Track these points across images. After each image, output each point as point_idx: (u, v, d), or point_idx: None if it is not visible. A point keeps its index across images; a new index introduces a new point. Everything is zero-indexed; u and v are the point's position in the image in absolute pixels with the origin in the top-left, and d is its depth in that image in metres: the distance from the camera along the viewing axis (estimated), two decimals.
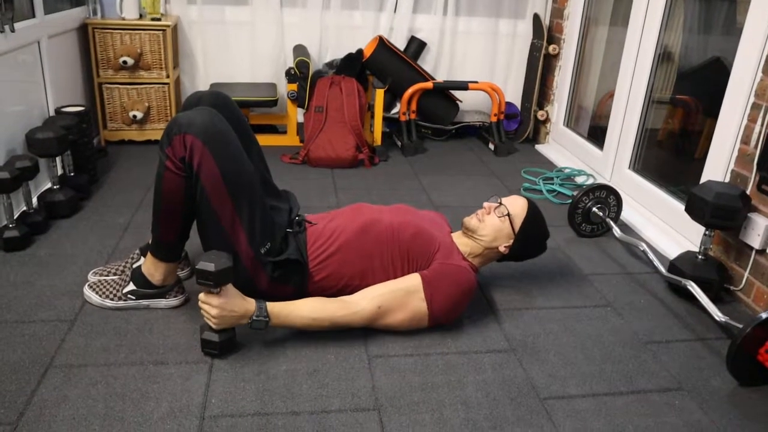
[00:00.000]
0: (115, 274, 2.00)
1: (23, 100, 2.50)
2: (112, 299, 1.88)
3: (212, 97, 1.96)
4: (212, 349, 1.69)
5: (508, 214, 1.96)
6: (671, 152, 3.19)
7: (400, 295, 1.79)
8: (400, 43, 3.77)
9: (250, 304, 1.70)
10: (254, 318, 1.69)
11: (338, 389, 1.61)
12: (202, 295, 1.67)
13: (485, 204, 2.01)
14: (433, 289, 1.80)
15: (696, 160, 2.60)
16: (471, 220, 1.99)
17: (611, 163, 3.14)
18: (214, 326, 1.67)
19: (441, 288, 1.82)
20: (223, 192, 1.71)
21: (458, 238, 2.01)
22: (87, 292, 1.91)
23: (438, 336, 1.85)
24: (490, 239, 1.97)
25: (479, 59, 3.97)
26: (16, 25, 2.35)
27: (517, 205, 1.99)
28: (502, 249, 1.97)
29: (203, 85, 3.69)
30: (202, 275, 1.60)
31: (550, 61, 3.79)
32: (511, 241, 1.97)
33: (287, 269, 1.82)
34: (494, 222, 1.96)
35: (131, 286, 1.88)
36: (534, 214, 2.01)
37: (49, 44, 2.71)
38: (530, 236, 2.01)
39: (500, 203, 1.99)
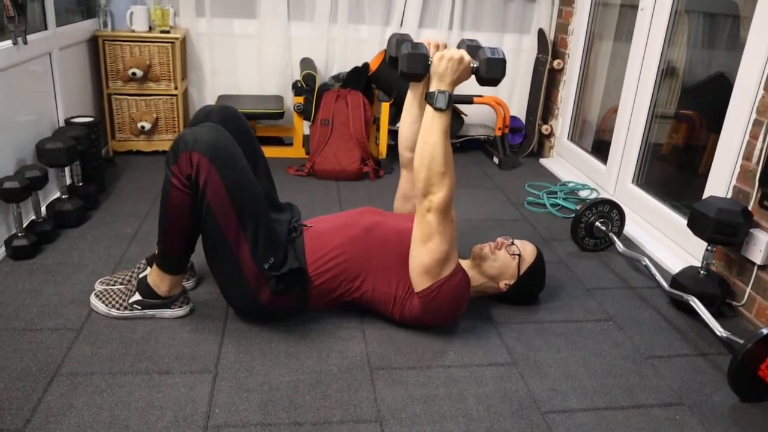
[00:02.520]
0: (121, 284, 2.02)
1: (34, 110, 2.54)
2: (118, 309, 1.90)
3: (221, 112, 2.00)
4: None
5: (519, 255, 1.99)
6: (675, 167, 3.20)
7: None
8: None
9: None
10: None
11: (341, 401, 1.62)
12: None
13: (499, 239, 2.05)
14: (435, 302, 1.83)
15: (699, 175, 2.61)
16: (483, 250, 2.03)
17: (615, 178, 3.16)
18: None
19: (441, 305, 1.86)
20: (228, 209, 1.73)
21: (461, 262, 2.03)
22: (93, 301, 1.94)
23: (439, 349, 1.87)
24: (495, 273, 2.01)
25: None
26: (29, 37, 2.40)
27: (527, 250, 2.05)
28: (502, 286, 2.02)
29: (211, 97, 3.73)
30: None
31: (555, 75, 3.82)
32: (513, 281, 2.01)
33: (289, 280, 1.83)
34: (505, 258, 2.01)
35: (137, 296, 1.90)
36: (541, 263, 2.08)
37: (60, 56, 2.75)
38: (531, 282, 2.08)
39: (512, 242, 2.03)
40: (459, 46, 1.99)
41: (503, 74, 1.73)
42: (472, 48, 1.79)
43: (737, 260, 2.20)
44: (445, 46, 1.95)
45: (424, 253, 1.78)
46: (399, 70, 1.76)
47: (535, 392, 1.71)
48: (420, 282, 1.82)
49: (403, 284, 1.86)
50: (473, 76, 1.79)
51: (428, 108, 1.74)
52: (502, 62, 1.73)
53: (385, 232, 1.92)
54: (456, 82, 1.74)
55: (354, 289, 1.90)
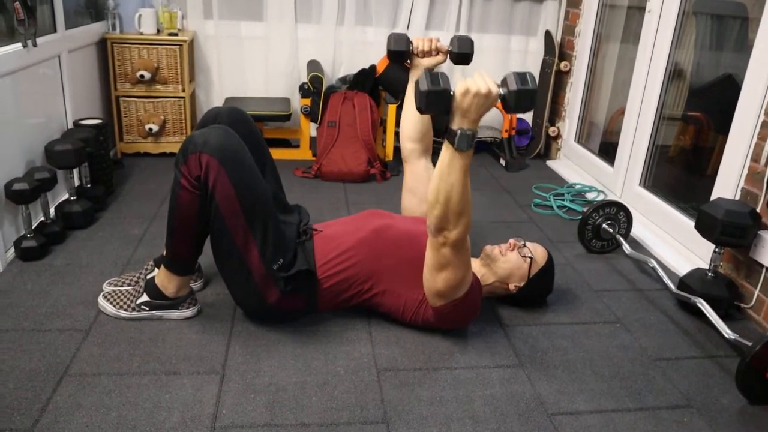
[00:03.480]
0: (129, 285, 2.03)
1: (43, 112, 2.56)
2: (126, 310, 1.91)
3: (230, 114, 2.01)
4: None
5: (531, 257, 1.99)
6: (683, 169, 3.19)
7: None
8: None
9: None
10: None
11: (347, 402, 1.62)
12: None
13: (511, 240, 2.05)
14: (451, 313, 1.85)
15: (707, 177, 2.60)
16: (494, 250, 2.03)
17: (622, 180, 3.15)
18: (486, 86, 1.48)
19: (456, 317, 1.88)
20: (237, 210, 1.74)
21: (471, 262, 2.02)
22: (101, 302, 1.95)
23: (446, 351, 1.87)
24: (505, 274, 2.01)
25: (491, 75, 3.96)
26: (39, 40, 2.42)
27: (538, 253, 2.05)
28: (511, 287, 2.02)
29: (218, 99, 3.74)
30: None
31: (562, 77, 3.81)
32: (523, 283, 2.01)
33: (298, 281, 1.84)
34: (516, 259, 2.00)
35: (145, 297, 1.91)
36: (551, 266, 2.08)
37: (69, 58, 2.77)
38: (540, 285, 2.08)
39: (524, 244, 2.03)
40: (451, 43, 2.02)
41: (533, 105, 1.53)
42: (507, 81, 1.53)
43: (745, 262, 2.19)
44: (438, 40, 2.06)
45: (439, 281, 1.75)
46: (416, 107, 1.53)
47: (542, 394, 1.70)
48: (434, 302, 1.82)
49: (414, 288, 1.86)
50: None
51: (448, 146, 1.54)
52: (532, 93, 1.51)
53: (395, 234, 1.92)
54: (481, 117, 1.54)
55: (364, 292, 1.91)
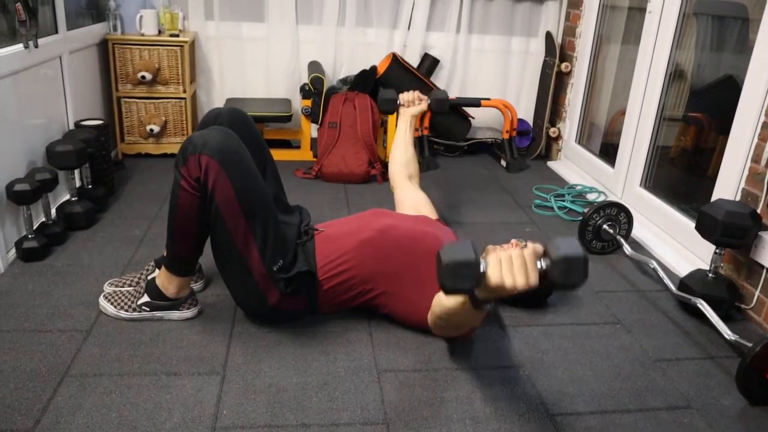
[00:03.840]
0: (130, 286, 2.04)
1: (44, 113, 2.57)
2: (126, 310, 1.91)
3: (230, 115, 2.01)
4: None
5: None
6: (683, 170, 3.19)
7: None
8: (413, 60, 3.82)
9: None
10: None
11: (348, 403, 1.62)
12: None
13: (513, 240, 2.05)
14: None
15: (708, 177, 2.60)
16: (496, 250, 2.02)
17: (622, 181, 3.15)
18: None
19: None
20: (237, 212, 1.74)
21: None
22: (102, 302, 1.95)
23: (447, 351, 1.87)
24: None
25: (492, 76, 4.00)
26: (40, 41, 2.42)
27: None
28: None
29: (219, 100, 3.75)
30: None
31: (563, 78, 3.81)
32: None
33: (298, 283, 1.84)
34: None
35: (145, 298, 1.91)
36: None
37: (71, 59, 2.78)
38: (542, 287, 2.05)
39: (526, 245, 2.03)
40: (432, 99, 2.50)
41: (584, 279, 1.22)
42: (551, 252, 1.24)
43: (746, 263, 2.19)
44: (419, 98, 2.53)
45: (440, 330, 1.80)
46: (440, 286, 1.27)
47: (543, 395, 1.70)
48: (436, 331, 1.84)
49: (416, 290, 1.85)
50: None
51: (469, 304, 1.40)
52: (578, 285, 1.23)
53: (399, 235, 1.91)
54: None
55: (365, 293, 1.91)
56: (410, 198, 2.35)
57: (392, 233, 1.91)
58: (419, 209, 2.25)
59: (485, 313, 1.44)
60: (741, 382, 1.71)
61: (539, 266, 1.24)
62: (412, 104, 2.51)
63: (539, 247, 1.27)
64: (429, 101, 2.51)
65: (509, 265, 1.23)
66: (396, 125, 2.60)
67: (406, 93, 2.51)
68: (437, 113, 2.61)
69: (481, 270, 1.24)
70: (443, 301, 1.53)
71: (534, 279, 1.23)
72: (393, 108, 2.54)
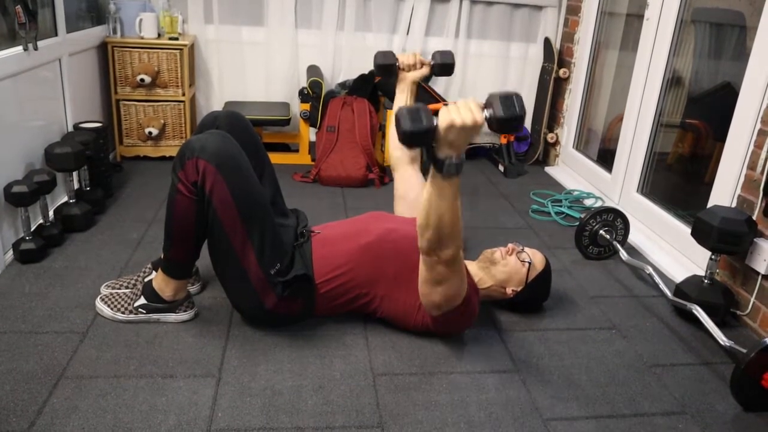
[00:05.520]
0: (127, 288, 2.04)
1: (43, 115, 2.57)
2: (123, 312, 1.92)
3: (228, 118, 2.01)
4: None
5: (530, 262, 2.00)
6: (681, 176, 3.20)
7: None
8: None
9: None
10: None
11: (343, 406, 1.63)
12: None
13: (510, 244, 2.06)
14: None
15: (705, 184, 2.61)
16: (493, 254, 2.04)
17: (619, 186, 3.16)
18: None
19: (454, 324, 1.89)
20: (234, 216, 1.74)
21: (469, 266, 2.03)
22: (99, 304, 1.95)
23: (442, 355, 1.87)
24: (504, 278, 2.01)
25: (490, 82, 4.01)
26: (40, 43, 2.43)
27: (536, 258, 2.06)
28: (509, 291, 2.02)
29: (218, 103, 3.76)
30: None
31: (561, 84, 3.83)
32: (520, 288, 2.02)
33: (295, 286, 1.84)
34: (515, 264, 2.01)
35: (142, 300, 1.91)
36: (549, 272, 2.09)
37: (70, 62, 2.78)
38: (538, 291, 2.09)
39: (523, 249, 2.04)
40: (433, 57, 2.06)
41: (520, 128, 1.47)
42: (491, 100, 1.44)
43: (741, 269, 2.20)
44: (420, 62, 2.18)
45: (435, 295, 1.75)
46: (399, 137, 1.43)
47: (537, 399, 1.71)
48: (433, 311, 1.83)
49: (413, 293, 1.86)
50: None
51: (434, 173, 1.49)
52: (520, 119, 1.41)
53: (397, 239, 1.92)
54: (467, 143, 1.48)
55: (361, 296, 1.91)
56: (414, 186, 2.21)
57: (392, 237, 1.92)
58: (415, 200, 2.15)
59: (456, 185, 1.49)
60: (735, 388, 1.72)
61: (484, 114, 1.42)
62: (412, 68, 2.20)
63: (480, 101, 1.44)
64: (432, 64, 2.20)
65: (456, 108, 1.40)
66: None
67: (405, 55, 2.20)
68: (444, 71, 2.20)
69: (434, 124, 1.41)
70: (420, 200, 1.58)
71: (479, 115, 1.40)
72: (390, 73, 2.21)
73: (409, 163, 2.25)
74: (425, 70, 2.20)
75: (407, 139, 1.41)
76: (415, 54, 2.19)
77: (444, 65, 2.18)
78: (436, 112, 1.44)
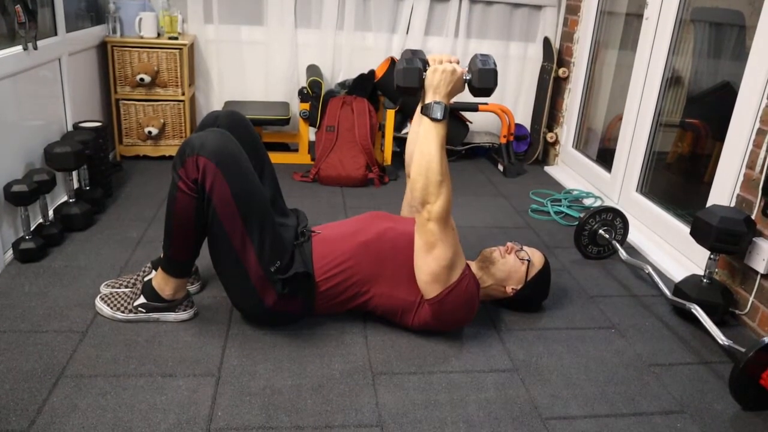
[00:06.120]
0: (126, 287, 2.04)
1: (43, 114, 2.57)
2: (122, 311, 1.92)
3: (229, 117, 2.02)
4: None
5: (529, 260, 2.01)
6: (680, 176, 3.20)
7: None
8: None
9: None
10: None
11: (342, 405, 1.63)
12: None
13: (509, 243, 2.06)
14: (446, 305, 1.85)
15: (705, 183, 2.62)
16: (492, 253, 2.04)
17: (619, 186, 3.16)
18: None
19: (452, 310, 1.87)
20: (234, 213, 1.75)
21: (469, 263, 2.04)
22: (99, 304, 1.95)
23: (441, 354, 1.88)
24: (503, 276, 2.02)
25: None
26: (39, 43, 2.43)
27: (536, 257, 2.06)
28: (508, 290, 2.03)
29: (218, 103, 3.76)
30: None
31: (560, 83, 3.83)
32: (520, 286, 2.02)
33: (295, 284, 1.85)
34: (514, 262, 2.02)
35: (142, 299, 1.92)
36: (548, 271, 2.10)
37: (70, 61, 2.79)
38: (537, 289, 2.09)
39: (522, 248, 2.05)
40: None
41: (495, 84, 1.76)
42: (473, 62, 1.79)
43: (740, 269, 2.20)
44: (458, 62, 1.93)
45: (431, 262, 1.78)
46: (395, 84, 1.77)
47: (536, 398, 1.71)
48: (430, 290, 1.82)
49: (413, 290, 1.86)
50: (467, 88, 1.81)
51: (425, 119, 1.75)
52: (493, 72, 1.75)
53: (395, 237, 1.92)
54: (451, 93, 1.76)
55: (361, 294, 1.91)
56: None
57: (390, 235, 1.92)
58: None
59: (442, 130, 1.75)
60: (734, 387, 1.72)
61: (465, 77, 1.77)
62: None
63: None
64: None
65: (440, 61, 1.77)
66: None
67: (435, 54, 1.79)
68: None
69: (423, 68, 1.76)
70: (416, 145, 1.80)
71: (459, 68, 1.75)
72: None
73: None
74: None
75: (401, 74, 1.73)
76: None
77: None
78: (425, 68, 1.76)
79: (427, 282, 1.81)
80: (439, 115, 1.73)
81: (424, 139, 1.75)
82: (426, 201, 1.75)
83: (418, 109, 2.09)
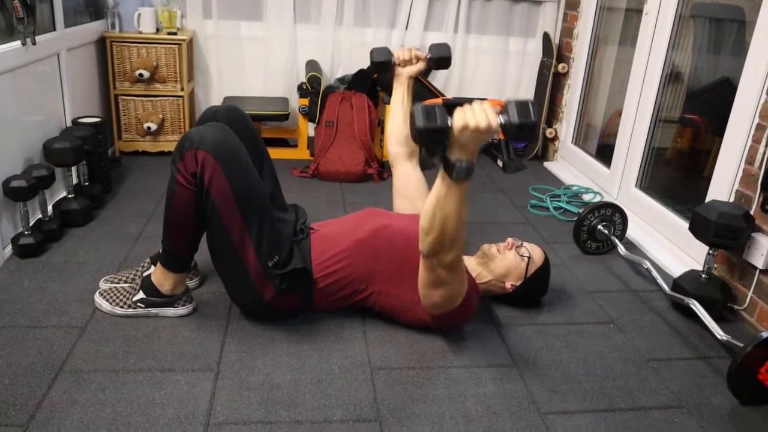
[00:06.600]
0: (125, 282, 2.04)
1: (42, 110, 2.57)
2: (122, 307, 1.92)
3: (228, 112, 2.02)
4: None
5: (529, 257, 2.01)
6: (680, 171, 3.20)
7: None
8: None
9: None
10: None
11: (341, 400, 1.63)
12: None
13: (509, 239, 2.06)
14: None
15: (704, 179, 2.61)
16: (491, 249, 2.04)
17: (618, 182, 3.16)
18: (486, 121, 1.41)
19: (453, 321, 1.90)
20: (233, 207, 1.75)
21: (467, 261, 2.04)
22: (98, 299, 1.96)
23: (440, 350, 1.88)
24: (503, 272, 2.02)
25: (489, 77, 4.01)
26: (38, 38, 2.43)
27: (535, 253, 2.06)
28: (507, 286, 2.03)
29: (217, 99, 3.76)
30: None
31: (560, 79, 3.82)
32: (519, 282, 2.02)
33: (293, 279, 1.85)
34: (513, 258, 2.02)
35: (141, 295, 1.92)
36: (548, 267, 2.10)
37: (68, 56, 2.78)
38: (537, 285, 2.09)
39: (522, 244, 2.05)
40: (429, 50, 2.06)
41: (535, 136, 1.53)
42: (509, 107, 1.44)
43: (739, 264, 2.20)
44: (418, 50, 2.16)
45: (435, 296, 1.76)
46: (411, 137, 1.49)
47: (535, 393, 1.71)
48: (432, 311, 1.83)
49: (411, 289, 1.86)
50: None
51: (444, 175, 1.49)
52: (534, 125, 1.43)
53: (393, 234, 1.92)
54: (479, 148, 1.49)
55: (359, 291, 1.92)
56: (412, 182, 2.22)
57: (386, 233, 1.92)
58: (415, 196, 2.19)
59: (464, 189, 1.50)
60: (732, 382, 1.72)
61: (499, 120, 1.43)
62: (408, 64, 2.17)
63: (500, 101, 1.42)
64: (428, 58, 2.16)
65: (472, 111, 1.41)
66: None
67: (400, 50, 2.17)
68: (441, 64, 2.18)
69: (449, 124, 1.43)
70: (419, 196, 1.65)
71: (494, 120, 1.41)
72: (387, 69, 2.21)
73: (407, 158, 2.22)
74: (421, 65, 2.17)
75: (420, 136, 1.42)
76: (410, 49, 2.16)
77: (440, 59, 2.14)
78: (451, 112, 1.44)
79: (430, 307, 1.82)
80: (464, 176, 1.47)
81: (443, 198, 1.51)
82: (436, 253, 1.62)
83: (395, 93, 2.21)
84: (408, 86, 2.20)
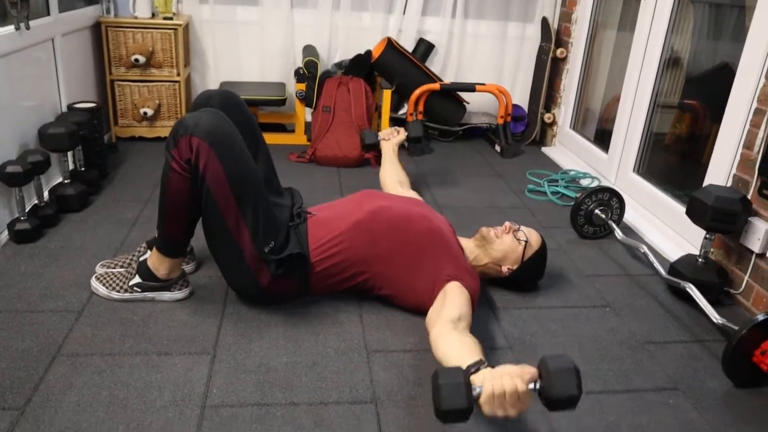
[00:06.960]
0: (122, 267, 2.04)
1: (36, 95, 2.56)
2: (118, 291, 1.92)
3: (222, 97, 2.01)
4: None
5: (526, 241, 2.00)
6: (678, 156, 3.20)
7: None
8: (408, 44, 3.80)
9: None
10: None
11: (337, 382, 1.64)
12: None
13: (507, 223, 2.06)
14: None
15: (703, 164, 2.61)
16: (489, 232, 2.03)
17: (616, 167, 3.16)
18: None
19: None
20: (228, 193, 1.74)
21: (465, 243, 2.04)
22: (94, 283, 1.96)
23: None
24: (500, 256, 2.02)
25: (487, 61, 3.99)
26: (32, 23, 2.41)
27: (532, 237, 2.06)
28: (504, 270, 2.03)
29: (213, 84, 3.74)
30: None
31: (558, 64, 3.81)
32: (516, 266, 2.02)
33: (290, 264, 1.85)
34: (511, 242, 2.01)
35: (137, 279, 1.92)
36: (545, 252, 2.09)
37: (63, 42, 2.76)
38: (534, 269, 2.09)
39: (519, 228, 2.04)
40: (407, 131, 2.82)
41: (574, 406, 1.22)
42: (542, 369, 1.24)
43: (736, 248, 2.20)
44: (397, 131, 2.75)
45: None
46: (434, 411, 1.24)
47: None
48: None
49: (408, 272, 1.87)
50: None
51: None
52: (576, 399, 1.21)
53: (391, 216, 1.92)
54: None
55: (357, 274, 1.92)
56: (390, 175, 2.57)
57: (385, 214, 1.92)
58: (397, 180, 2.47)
59: None
60: (727, 364, 1.73)
61: (533, 387, 1.23)
62: (391, 136, 2.72)
63: (532, 371, 1.24)
64: (407, 131, 2.80)
65: (502, 400, 1.21)
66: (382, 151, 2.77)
67: (383, 130, 2.78)
68: (415, 141, 2.98)
69: (474, 395, 1.23)
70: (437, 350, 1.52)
71: (527, 406, 1.23)
72: (376, 145, 2.80)
73: (397, 185, 2.51)
74: (402, 136, 2.74)
75: (443, 417, 1.22)
76: (392, 128, 2.79)
77: (416, 128, 2.99)
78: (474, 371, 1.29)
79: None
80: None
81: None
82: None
83: (384, 160, 2.69)
84: (394, 152, 2.68)
